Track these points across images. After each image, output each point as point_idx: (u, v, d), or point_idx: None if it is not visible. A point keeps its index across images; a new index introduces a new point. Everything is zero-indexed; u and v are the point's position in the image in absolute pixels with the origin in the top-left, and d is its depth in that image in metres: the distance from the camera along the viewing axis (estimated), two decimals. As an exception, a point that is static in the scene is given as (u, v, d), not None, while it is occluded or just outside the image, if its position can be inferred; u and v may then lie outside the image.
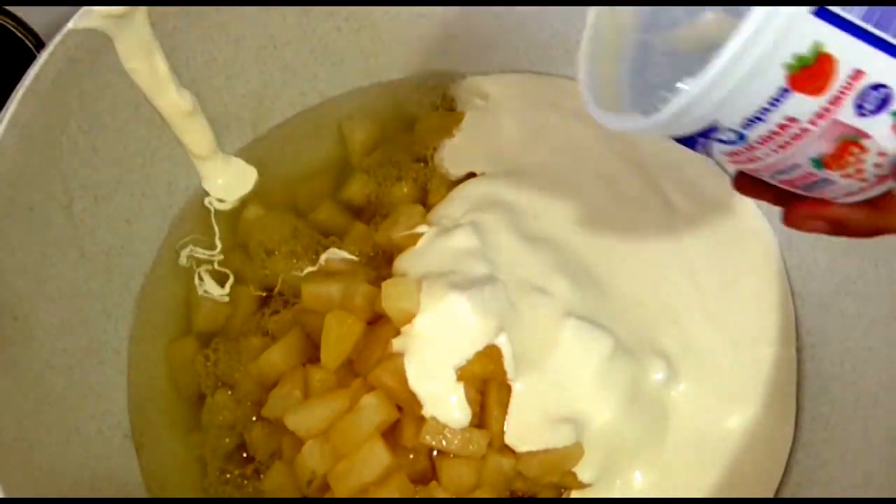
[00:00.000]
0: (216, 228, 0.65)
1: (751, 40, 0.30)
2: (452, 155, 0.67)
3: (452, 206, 0.63)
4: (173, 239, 0.65)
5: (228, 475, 0.58)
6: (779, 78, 0.31)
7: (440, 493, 0.53)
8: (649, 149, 0.67)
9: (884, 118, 0.32)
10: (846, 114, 0.32)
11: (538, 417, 0.54)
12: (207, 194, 0.66)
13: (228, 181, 0.66)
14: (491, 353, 0.53)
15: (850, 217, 0.36)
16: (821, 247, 0.60)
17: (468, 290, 0.54)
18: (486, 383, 0.54)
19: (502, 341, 0.53)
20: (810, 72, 0.31)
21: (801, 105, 0.31)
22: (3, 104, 0.50)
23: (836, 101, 0.31)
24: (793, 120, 0.32)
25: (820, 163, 0.33)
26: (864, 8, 0.33)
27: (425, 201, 0.65)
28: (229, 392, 0.60)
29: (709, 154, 0.35)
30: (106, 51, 0.55)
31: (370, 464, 0.52)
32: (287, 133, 0.70)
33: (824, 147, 0.33)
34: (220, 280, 0.64)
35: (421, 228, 0.60)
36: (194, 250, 0.64)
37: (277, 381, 0.57)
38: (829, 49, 0.30)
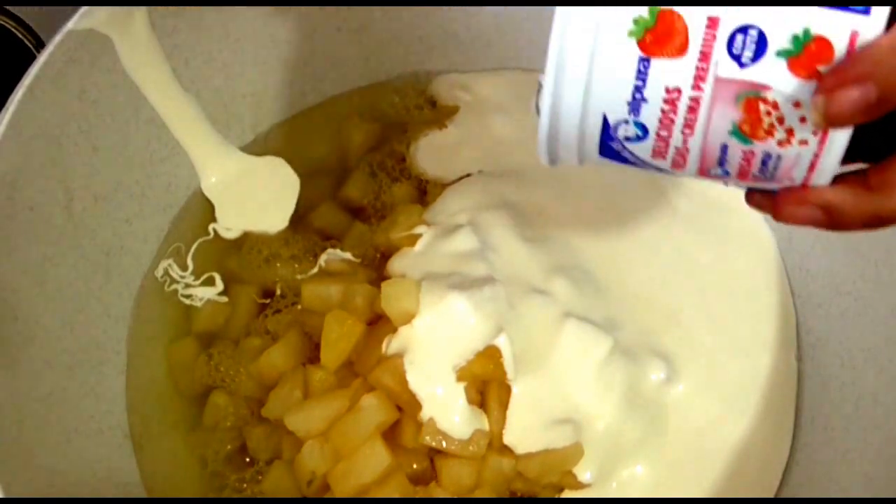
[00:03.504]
0: (191, 248, 0.64)
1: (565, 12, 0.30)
2: (434, 154, 0.67)
3: (449, 204, 0.63)
4: (173, 239, 0.65)
5: (226, 481, 0.57)
6: (632, 48, 0.30)
7: (440, 494, 0.53)
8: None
9: (773, 62, 0.30)
10: (726, 68, 0.30)
11: (538, 418, 0.54)
12: (209, 196, 0.66)
13: (233, 189, 0.66)
14: (491, 354, 0.53)
15: (837, 200, 0.32)
16: (820, 247, 0.60)
17: (467, 291, 0.54)
18: (486, 384, 0.54)
19: (502, 342, 0.53)
20: (656, 33, 0.30)
21: (672, 71, 0.30)
22: (3, 104, 0.50)
23: (705, 57, 0.30)
24: (675, 90, 0.30)
25: (742, 134, 0.31)
26: None
27: (424, 201, 0.65)
28: (230, 393, 0.60)
29: (643, 165, 0.34)
30: (106, 51, 0.55)
31: (370, 464, 0.52)
32: (287, 133, 0.70)
33: (731, 113, 0.31)
34: (211, 281, 0.64)
35: (420, 229, 0.60)
36: (171, 266, 0.64)
37: (277, 382, 0.57)
38: (667, 5, 0.30)
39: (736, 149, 0.32)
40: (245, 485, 0.57)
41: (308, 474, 0.53)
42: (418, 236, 0.60)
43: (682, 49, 0.30)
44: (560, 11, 0.31)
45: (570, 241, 0.62)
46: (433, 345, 0.54)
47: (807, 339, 0.61)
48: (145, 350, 0.62)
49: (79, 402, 0.56)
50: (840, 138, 0.31)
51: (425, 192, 0.66)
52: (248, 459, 0.58)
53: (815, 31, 0.29)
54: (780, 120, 0.31)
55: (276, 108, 0.70)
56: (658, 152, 0.33)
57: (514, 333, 0.54)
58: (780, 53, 0.30)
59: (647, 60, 0.30)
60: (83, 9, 0.52)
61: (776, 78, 0.30)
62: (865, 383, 0.54)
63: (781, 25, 0.29)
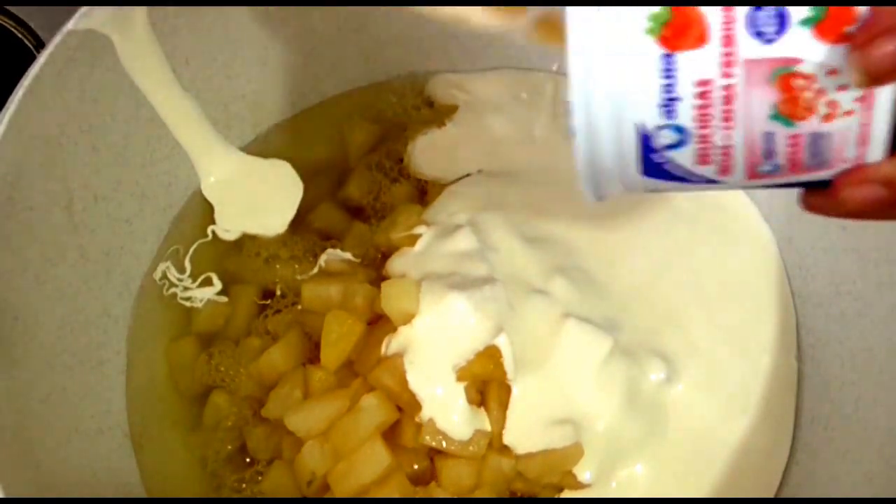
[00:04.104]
0: (189, 250, 0.64)
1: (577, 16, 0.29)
2: (432, 154, 0.67)
3: (449, 204, 0.63)
4: (173, 240, 0.65)
5: (226, 481, 0.57)
6: (652, 47, 0.29)
7: (440, 494, 0.53)
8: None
9: (798, 33, 0.29)
10: (752, 48, 0.29)
11: (538, 418, 0.54)
12: (208, 197, 0.66)
13: (233, 190, 0.65)
14: (491, 354, 0.53)
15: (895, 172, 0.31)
16: (821, 247, 0.60)
17: (467, 291, 0.54)
18: (486, 384, 0.54)
19: (502, 342, 0.53)
20: (674, 26, 0.29)
21: (698, 62, 0.29)
22: (3, 104, 0.50)
23: (728, 40, 0.29)
24: (706, 82, 0.30)
25: (782, 116, 0.30)
26: None
27: (424, 201, 0.65)
28: (230, 392, 0.60)
29: (690, 179, 0.33)
30: (106, 51, 0.55)
31: (370, 464, 0.52)
32: (287, 133, 0.70)
33: (768, 95, 0.30)
34: (209, 282, 0.64)
35: (420, 229, 0.60)
36: (169, 269, 0.64)
37: (277, 382, 0.57)
38: (679, 3, 0.29)
39: (781, 135, 0.30)
40: (244, 485, 0.57)
41: (308, 474, 0.53)
42: (418, 236, 0.60)
43: (703, 38, 0.29)
44: (570, 15, 0.30)
45: (569, 241, 0.62)
46: (433, 345, 0.54)
47: (807, 339, 0.61)
48: (145, 350, 0.62)
49: (79, 402, 0.56)
50: (885, 100, 0.30)
51: (425, 192, 0.66)
52: (248, 459, 0.58)
53: None
54: (820, 93, 0.30)
55: (276, 108, 0.70)
56: (702, 156, 0.31)
57: (514, 333, 0.54)
58: (803, 22, 0.29)
59: (671, 56, 0.29)
60: (83, 9, 0.52)
61: (805, 48, 0.29)
62: (865, 383, 0.54)
63: None
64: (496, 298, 0.55)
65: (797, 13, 0.29)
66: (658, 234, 0.63)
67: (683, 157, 0.32)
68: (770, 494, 0.57)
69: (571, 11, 0.30)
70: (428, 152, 0.67)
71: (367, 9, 0.67)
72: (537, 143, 0.67)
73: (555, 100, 0.69)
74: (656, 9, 0.30)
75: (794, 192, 0.63)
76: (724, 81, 0.30)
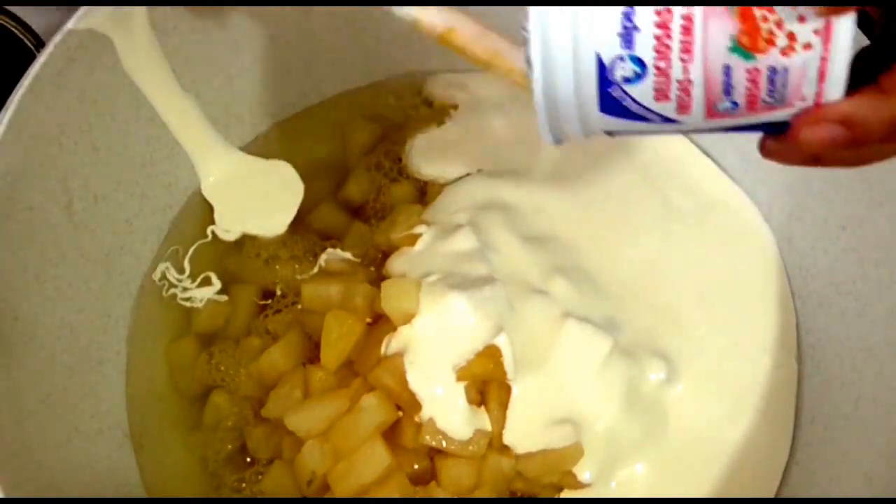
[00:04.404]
0: (189, 251, 0.64)
1: None
2: (431, 153, 0.67)
3: (449, 203, 0.63)
4: (173, 240, 0.65)
5: (226, 480, 0.57)
6: None
7: (440, 493, 0.53)
8: (649, 148, 0.67)
9: None
10: None
11: (538, 418, 0.54)
12: (208, 197, 0.66)
13: (233, 190, 0.65)
14: (491, 354, 0.53)
15: (855, 110, 0.30)
16: (821, 247, 0.60)
17: (467, 291, 0.54)
18: (486, 384, 0.54)
19: (502, 341, 0.53)
20: None
21: None
22: (3, 104, 0.50)
23: None
24: (666, 11, 0.29)
25: (742, 49, 0.29)
26: None
27: (424, 201, 0.65)
28: (230, 392, 0.60)
29: (648, 117, 0.32)
30: (106, 51, 0.55)
31: (370, 464, 0.52)
32: (287, 133, 0.70)
33: (727, 26, 0.29)
34: (208, 281, 0.64)
35: (420, 229, 0.60)
36: (168, 269, 0.64)
37: (277, 382, 0.57)
38: None
39: (740, 69, 0.30)
40: (244, 485, 0.57)
41: (308, 474, 0.53)
42: (418, 236, 0.60)
43: None
44: None
45: (569, 240, 0.62)
46: (433, 345, 0.54)
47: (807, 339, 0.61)
48: (145, 350, 0.62)
49: (79, 402, 0.56)
50: (843, 35, 0.29)
51: (425, 192, 0.66)
52: (248, 459, 0.58)
53: None
54: (779, 24, 0.29)
55: (276, 108, 0.70)
56: (660, 92, 0.31)
57: (514, 333, 0.54)
58: None
59: None
60: (83, 9, 0.52)
61: None
62: (865, 383, 0.54)
63: None
64: (496, 298, 0.55)
65: None
66: (658, 235, 0.63)
67: (642, 93, 0.31)
68: (770, 494, 0.57)
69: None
70: (427, 152, 0.67)
71: (367, 9, 0.67)
72: (537, 142, 0.67)
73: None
74: None
75: (795, 193, 0.63)
76: (684, 10, 0.29)
